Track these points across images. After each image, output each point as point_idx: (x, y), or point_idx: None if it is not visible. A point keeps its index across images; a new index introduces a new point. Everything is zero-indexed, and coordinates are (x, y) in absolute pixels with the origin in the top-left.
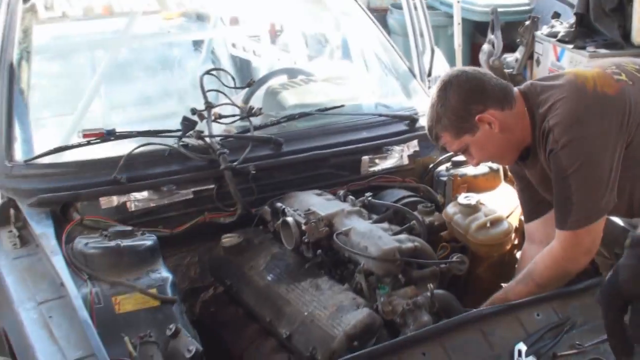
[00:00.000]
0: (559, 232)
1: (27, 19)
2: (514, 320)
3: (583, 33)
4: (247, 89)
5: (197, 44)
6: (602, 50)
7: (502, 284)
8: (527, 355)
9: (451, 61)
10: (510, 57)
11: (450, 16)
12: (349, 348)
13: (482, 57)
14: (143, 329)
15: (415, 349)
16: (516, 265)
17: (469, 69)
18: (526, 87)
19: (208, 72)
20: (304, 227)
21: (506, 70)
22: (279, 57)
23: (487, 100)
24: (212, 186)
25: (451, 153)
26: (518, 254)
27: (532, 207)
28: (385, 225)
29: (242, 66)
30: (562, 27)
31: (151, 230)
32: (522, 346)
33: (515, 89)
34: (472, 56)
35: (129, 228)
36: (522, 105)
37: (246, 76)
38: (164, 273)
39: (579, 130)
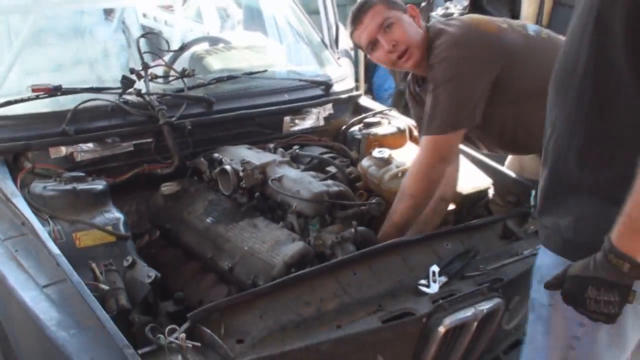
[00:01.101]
0: (422, 138)
1: None
2: (428, 248)
3: (475, 14)
4: (171, 54)
5: (108, 13)
6: None
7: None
8: (440, 275)
9: None
10: None
11: None
12: (287, 275)
13: None
14: (103, 261)
15: (347, 269)
16: None
17: None
18: (431, 23)
19: (143, 36)
20: (241, 174)
21: None
22: (192, 27)
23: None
24: (150, 140)
25: (362, 115)
26: None
27: None
28: (313, 173)
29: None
30: (455, 9)
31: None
32: (435, 268)
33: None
34: None
35: (82, 174)
36: (425, 33)
37: (155, 46)
38: (116, 213)
39: (456, 51)
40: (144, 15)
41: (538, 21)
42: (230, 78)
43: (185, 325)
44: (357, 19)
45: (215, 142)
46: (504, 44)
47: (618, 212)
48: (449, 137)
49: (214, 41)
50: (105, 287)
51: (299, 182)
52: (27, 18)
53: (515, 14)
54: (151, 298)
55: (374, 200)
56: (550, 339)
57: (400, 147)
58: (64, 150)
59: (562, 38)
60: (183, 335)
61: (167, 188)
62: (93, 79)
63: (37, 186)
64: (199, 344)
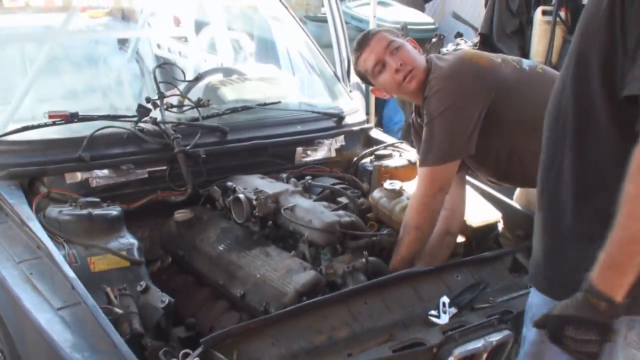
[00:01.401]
0: (420, 170)
1: None
2: (439, 279)
3: (486, 51)
4: (186, 84)
5: (122, 43)
6: None
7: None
8: (450, 306)
9: None
10: None
11: (361, 30)
12: (298, 303)
13: None
14: (117, 285)
15: (358, 298)
16: None
17: None
18: (430, 58)
19: (160, 66)
20: (254, 203)
21: None
22: (205, 58)
23: None
24: (164, 167)
25: (373, 148)
26: None
27: None
28: (325, 203)
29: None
30: (466, 45)
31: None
32: (445, 299)
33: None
34: None
35: (97, 199)
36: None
37: (169, 76)
38: (130, 239)
39: (450, 83)
40: (158, 46)
41: (548, 58)
42: (245, 108)
43: (199, 350)
44: (363, 44)
45: (228, 171)
46: (496, 77)
47: (597, 251)
48: (446, 168)
49: (228, 72)
50: (119, 311)
51: (311, 211)
52: (42, 46)
53: (525, 51)
54: (164, 323)
55: (385, 231)
56: None
57: (410, 180)
58: (79, 175)
59: (556, 73)
60: (197, 359)
61: (180, 215)
62: (106, 107)
63: (53, 210)
64: None
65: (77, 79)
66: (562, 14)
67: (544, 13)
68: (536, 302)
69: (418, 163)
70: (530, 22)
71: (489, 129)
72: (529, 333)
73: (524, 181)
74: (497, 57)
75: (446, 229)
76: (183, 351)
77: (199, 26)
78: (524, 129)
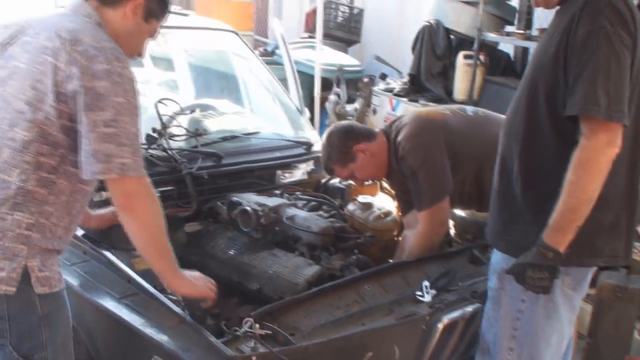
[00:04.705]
0: (419, 214)
1: None
2: (420, 269)
3: (415, 90)
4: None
5: None
6: (431, 104)
7: (390, 260)
8: (430, 288)
9: (309, 106)
10: (350, 107)
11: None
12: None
13: (329, 106)
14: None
15: (362, 283)
16: (397, 246)
17: (342, 122)
18: (385, 125)
19: (160, 101)
20: (260, 214)
21: (348, 117)
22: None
23: (357, 137)
24: (172, 187)
25: None
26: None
27: (405, 205)
28: (317, 212)
29: None
30: (396, 84)
31: None
32: (427, 283)
33: (377, 129)
34: (312, 104)
35: None
36: (382, 137)
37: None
38: None
39: (417, 140)
40: None
41: (470, 96)
42: (234, 137)
43: (250, 321)
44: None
45: (222, 191)
46: (449, 126)
47: (542, 223)
48: (441, 205)
49: (204, 107)
50: (175, 297)
51: (308, 219)
52: None
53: (448, 89)
54: (199, 311)
55: (368, 234)
56: (501, 312)
57: (374, 195)
58: (104, 194)
59: (493, 114)
60: (257, 325)
61: (190, 227)
62: None
63: None
64: (269, 332)
65: None
66: (482, 57)
67: (465, 57)
68: (497, 259)
69: (417, 209)
70: (452, 65)
71: (453, 167)
72: (491, 282)
73: (482, 205)
74: (445, 110)
75: None
76: (245, 319)
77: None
78: (481, 161)
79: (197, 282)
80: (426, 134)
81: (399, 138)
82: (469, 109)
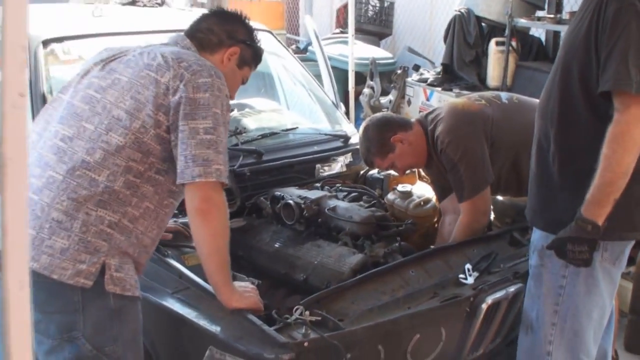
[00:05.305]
0: (462, 204)
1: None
2: (461, 253)
3: (448, 79)
4: None
5: None
6: (465, 92)
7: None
8: (472, 271)
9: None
10: (384, 99)
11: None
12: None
13: (363, 99)
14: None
15: (406, 269)
16: (437, 232)
17: (376, 114)
18: (420, 116)
19: None
20: (302, 206)
21: (383, 110)
22: None
23: (394, 127)
24: None
25: None
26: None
27: (442, 191)
28: (357, 203)
29: None
30: (429, 74)
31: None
32: (469, 266)
33: (412, 119)
34: (346, 98)
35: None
36: (418, 126)
37: None
38: None
39: (456, 133)
40: None
41: (503, 82)
42: (273, 134)
43: (301, 308)
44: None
45: (264, 186)
46: (486, 116)
47: (580, 199)
48: (483, 195)
49: (241, 106)
50: None
51: (349, 209)
52: None
53: (482, 77)
54: None
55: (409, 221)
56: (542, 289)
57: (413, 184)
58: None
59: (528, 99)
60: (307, 312)
61: (235, 222)
62: None
63: None
64: (319, 318)
65: None
66: (514, 43)
67: (497, 44)
68: (537, 237)
69: (458, 200)
70: (485, 52)
71: (492, 155)
72: (532, 260)
73: (520, 191)
74: (480, 99)
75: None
76: (295, 307)
77: None
78: (517, 148)
79: (247, 295)
80: (464, 126)
81: (437, 132)
82: (504, 96)
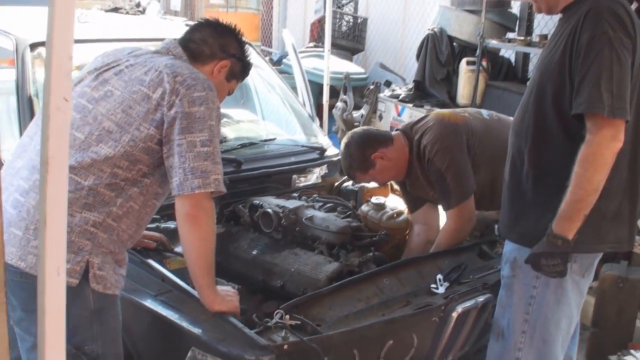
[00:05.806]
0: (448, 212)
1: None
2: (433, 264)
3: (419, 95)
4: None
5: None
6: (435, 109)
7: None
8: (444, 281)
9: (317, 113)
10: (356, 114)
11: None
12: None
13: (336, 113)
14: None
15: (380, 277)
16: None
17: (357, 129)
18: (403, 126)
19: None
20: (281, 215)
21: (355, 124)
22: None
23: (374, 144)
24: None
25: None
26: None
27: (413, 204)
28: (334, 213)
29: None
30: (401, 90)
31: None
32: (440, 276)
33: (396, 130)
34: (319, 111)
35: (158, 216)
36: (400, 139)
37: None
38: None
39: (443, 143)
40: None
41: (473, 100)
42: (252, 144)
43: (281, 312)
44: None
45: (241, 195)
46: (470, 128)
47: (551, 213)
48: (468, 203)
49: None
50: None
51: (326, 219)
52: None
53: (452, 94)
54: None
55: (383, 232)
56: (514, 298)
57: (386, 197)
58: None
59: (505, 117)
60: (287, 316)
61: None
62: None
63: None
64: (299, 322)
65: None
66: (484, 63)
67: (468, 63)
68: (509, 250)
69: (443, 208)
70: (456, 71)
71: (472, 167)
72: (504, 271)
73: (492, 204)
74: (464, 112)
75: (426, 239)
76: (275, 311)
77: None
78: (496, 162)
79: (229, 299)
80: (451, 137)
81: (424, 141)
82: (485, 112)
